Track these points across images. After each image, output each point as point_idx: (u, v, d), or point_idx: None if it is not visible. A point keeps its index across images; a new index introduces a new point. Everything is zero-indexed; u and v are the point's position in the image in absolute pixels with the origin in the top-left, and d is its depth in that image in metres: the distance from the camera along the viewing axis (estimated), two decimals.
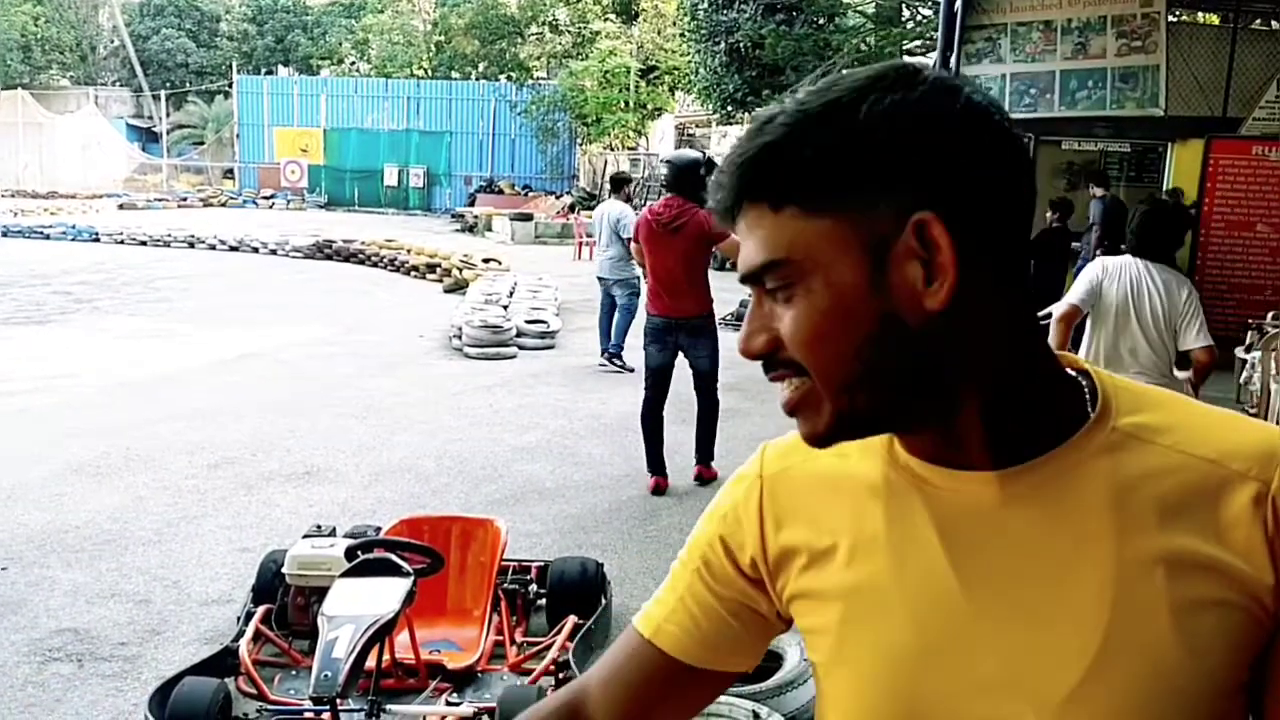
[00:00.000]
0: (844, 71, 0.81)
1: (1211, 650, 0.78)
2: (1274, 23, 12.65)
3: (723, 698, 3.15)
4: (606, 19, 32.95)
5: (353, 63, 42.93)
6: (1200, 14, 12.94)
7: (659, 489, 6.27)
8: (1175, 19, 11.95)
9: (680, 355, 6.33)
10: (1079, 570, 0.80)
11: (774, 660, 3.46)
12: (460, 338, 10.68)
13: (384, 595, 3.36)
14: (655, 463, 6.34)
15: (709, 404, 6.51)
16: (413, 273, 17.40)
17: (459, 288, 15.11)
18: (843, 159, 0.77)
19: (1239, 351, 8.49)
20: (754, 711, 3.03)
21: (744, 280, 0.83)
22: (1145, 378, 4.48)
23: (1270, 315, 9.01)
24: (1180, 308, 4.55)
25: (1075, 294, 4.74)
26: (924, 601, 0.84)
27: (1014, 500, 0.82)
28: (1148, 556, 0.79)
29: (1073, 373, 0.87)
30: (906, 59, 0.84)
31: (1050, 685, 0.79)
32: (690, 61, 25.95)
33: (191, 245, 21.34)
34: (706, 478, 6.43)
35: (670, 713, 1.02)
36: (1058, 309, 4.72)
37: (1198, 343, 4.54)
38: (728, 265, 11.05)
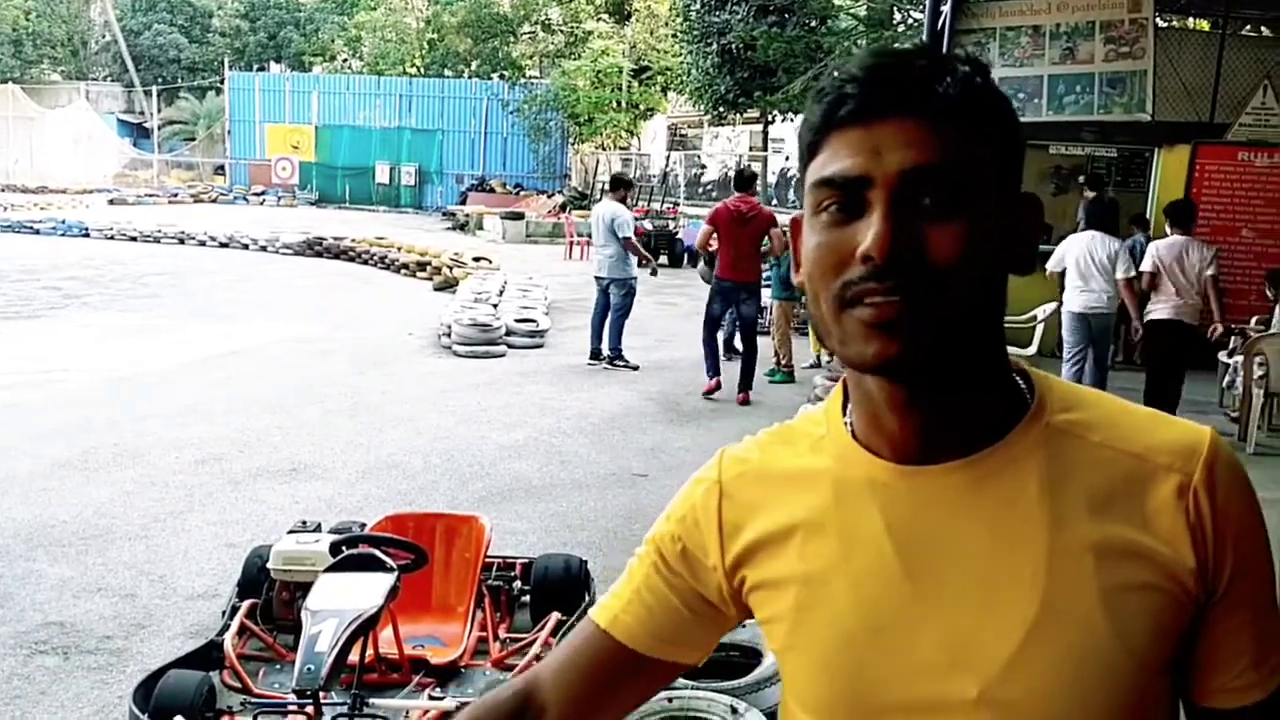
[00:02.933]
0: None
1: (1137, 630, 0.84)
2: (1264, 29, 12.75)
3: (702, 693, 3.19)
4: (599, 19, 33.01)
5: (345, 60, 42.92)
6: (1191, 19, 13.03)
7: (716, 388, 8.76)
8: (1165, 25, 12.04)
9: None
10: (1015, 556, 0.85)
11: (753, 657, 3.50)
12: (449, 336, 10.71)
13: (368, 590, 3.39)
14: (713, 370, 8.81)
15: (750, 345, 8.74)
16: (403, 271, 17.42)
17: (449, 286, 15.13)
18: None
19: (1222, 356, 8.56)
20: (732, 706, 3.07)
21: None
22: (1101, 294, 7.65)
23: (1255, 320, 9.08)
24: (1112, 255, 7.62)
25: (1054, 260, 7.82)
26: (870, 587, 0.89)
27: (954, 493, 0.87)
28: (1079, 544, 0.84)
29: (1014, 374, 0.92)
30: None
31: (987, 660, 0.85)
32: (682, 62, 26.01)
33: (181, 241, 21.34)
34: (744, 402, 8.63)
35: (618, 701, 1.05)
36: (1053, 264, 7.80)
37: (1120, 275, 7.58)
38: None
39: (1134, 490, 0.85)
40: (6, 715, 3.63)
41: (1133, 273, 7.57)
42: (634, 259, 9.95)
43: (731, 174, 27.56)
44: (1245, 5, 11.87)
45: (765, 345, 9.59)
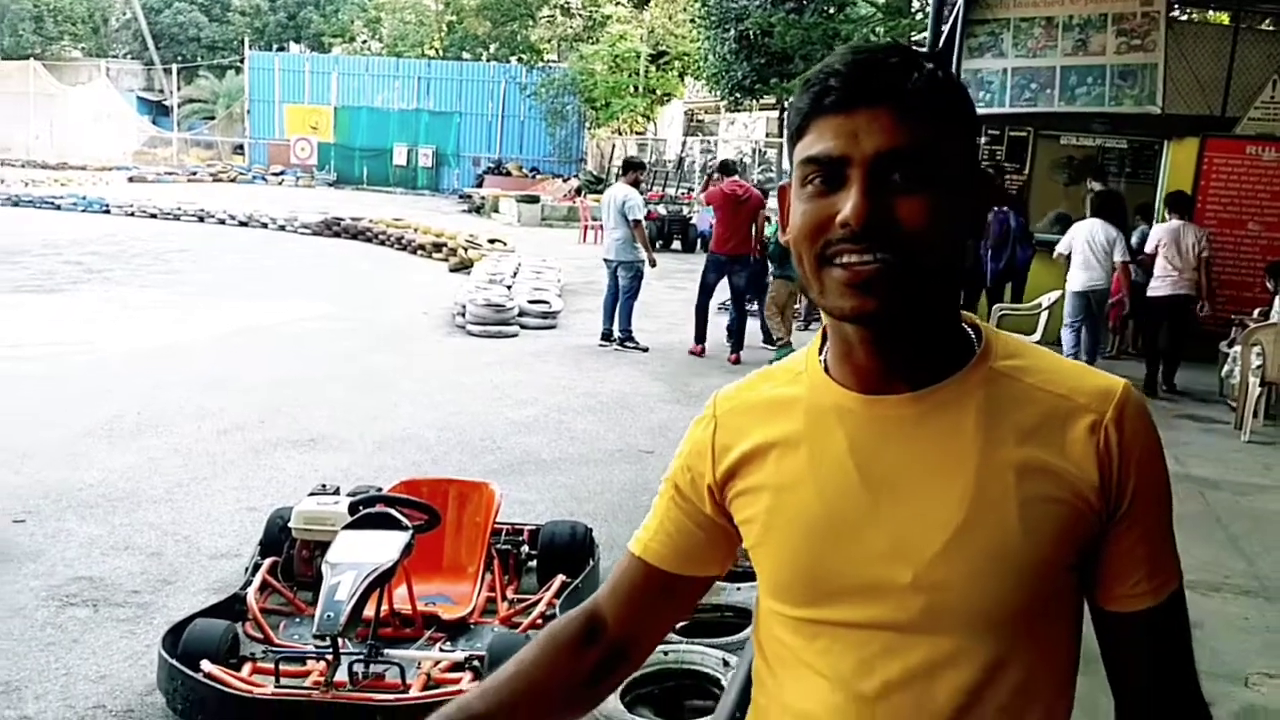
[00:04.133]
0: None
1: (1045, 534, 1.02)
2: None
3: (696, 647, 3.39)
4: (618, 3, 33.05)
5: (364, 41, 43.10)
6: (1210, 12, 13.05)
7: (699, 353, 10.02)
8: (1184, 18, 12.09)
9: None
10: (950, 471, 1.04)
11: (745, 618, 3.68)
12: (464, 315, 10.90)
13: (384, 546, 3.60)
14: (700, 338, 10.08)
15: (740, 311, 10.01)
16: (419, 251, 17.61)
17: (464, 267, 15.32)
18: (968, 102, 1.06)
19: (1223, 346, 8.70)
20: (724, 659, 3.26)
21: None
22: (1100, 274, 8.51)
23: (1256, 312, 9.20)
24: (1111, 240, 8.39)
25: (1063, 244, 8.75)
26: (832, 494, 1.08)
27: (907, 420, 1.07)
28: (1004, 463, 1.03)
29: (967, 326, 1.11)
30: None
31: (921, 550, 1.03)
32: (700, 48, 26.07)
33: (201, 219, 21.57)
34: (735, 362, 9.74)
35: (661, 614, 1.27)
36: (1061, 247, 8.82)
37: (1118, 258, 8.45)
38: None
39: (1055, 423, 1.04)
40: (42, 660, 3.84)
41: (1128, 256, 8.67)
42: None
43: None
44: None
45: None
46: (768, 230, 9.90)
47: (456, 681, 3.53)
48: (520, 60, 35.73)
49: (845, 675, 1.07)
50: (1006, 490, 1.03)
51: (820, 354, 1.14)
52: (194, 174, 33.20)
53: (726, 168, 10.87)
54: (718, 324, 10.41)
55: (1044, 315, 9.76)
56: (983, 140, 11.67)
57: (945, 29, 9.89)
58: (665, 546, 1.21)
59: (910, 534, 1.04)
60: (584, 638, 1.22)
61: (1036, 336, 9.56)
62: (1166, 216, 9.08)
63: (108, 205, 22.69)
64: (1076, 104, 10.62)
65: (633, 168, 10.67)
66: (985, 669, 1.03)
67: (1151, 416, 1.08)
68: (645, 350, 10.01)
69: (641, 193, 11.58)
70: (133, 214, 22.08)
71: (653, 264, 10.31)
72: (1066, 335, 8.76)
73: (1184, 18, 12.11)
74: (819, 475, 1.09)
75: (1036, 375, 1.07)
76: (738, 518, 1.16)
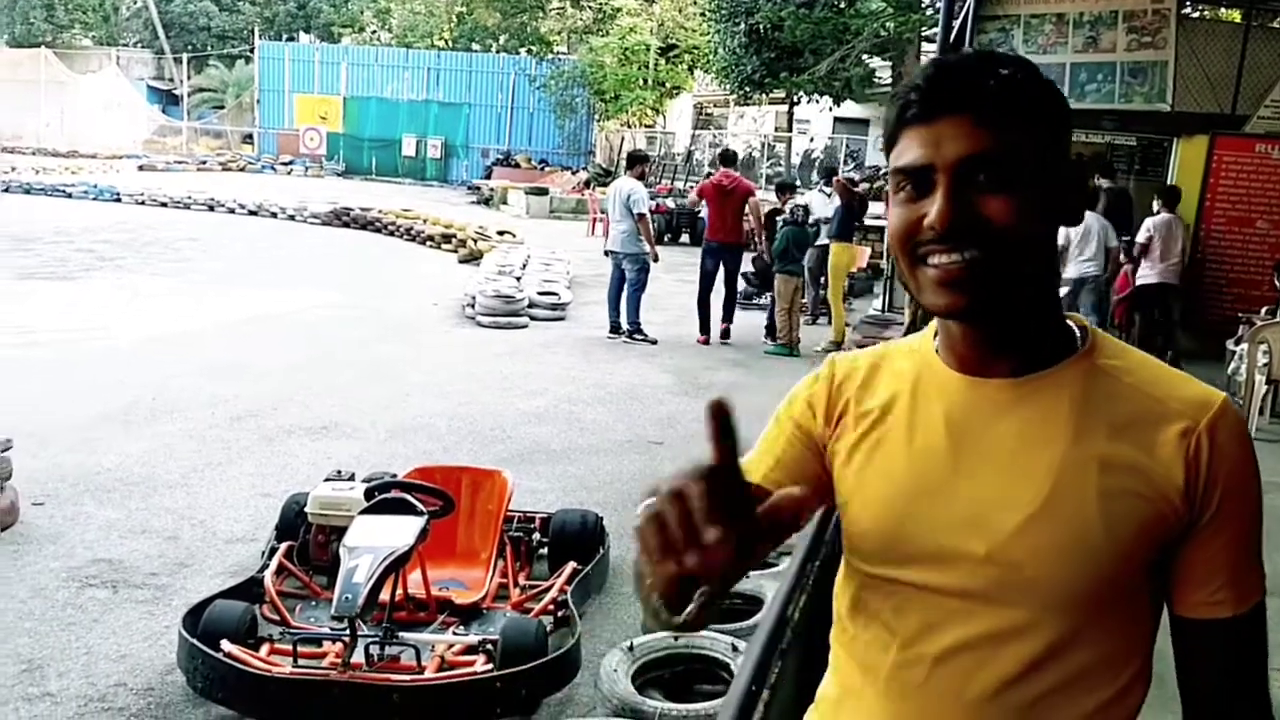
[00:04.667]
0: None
1: (1122, 528, 1.06)
2: None
3: (705, 633, 3.45)
4: None
5: (374, 31, 43.13)
6: (1221, 10, 13.04)
7: (705, 342, 10.36)
8: (1195, 15, 12.09)
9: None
10: (1037, 454, 1.09)
11: (755, 604, 3.75)
12: (473, 306, 10.97)
13: (400, 531, 3.67)
14: (704, 328, 10.42)
15: (732, 291, 10.64)
16: (428, 242, 17.68)
17: (473, 258, 15.38)
18: (1054, 104, 1.10)
19: (1230, 344, 8.73)
20: (733, 644, 3.32)
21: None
22: (1094, 264, 9.00)
23: (1264, 310, 9.24)
24: (1104, 231, 8.98)
25: (1061, 236, 8.87)
26: (922, 460, 1.14)
27: (1002, 401, 1.13)
28: (1090, 454, 1.08)
29: (1073, 325, 1.18)
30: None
31: (998, 526, 1.09)
32: (710, 41, 26.07)
33: (211, 208, 21.64)
34: (724, 334, 10.53)
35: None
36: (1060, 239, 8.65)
37: (1110, 244, 9.03)
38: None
39: (1148, 424, 1.08)
40: (64, 640, 3.92)
41: (1116, 243, 9.37)
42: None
43: (756, 154, 27.74)
44: None
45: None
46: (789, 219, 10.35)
47: (470, 664, 3.60)
48: (530, 52, 35.73)
49: (911, 634, 1.14)
50: (1089, 480, 1.07)
51: (935, 336, 1.21)
52: (203, 163, 33.27)
53: (726, 158, 11.35)
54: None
55: None
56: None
57: (956, 25, 9.90)
58: (786, 476, 1.22)
59: (989, 509, 1.09)
60: None
61: None
62: (1158, 209, 9.67)
63: (118, 193, 22.78)
64: (1086, 101, 10.64)
65: (637, 161, 10.73)
66: (1049, 646, 1.08)
67: (1248, 433, 1.12)
68: (654, 343, 10.08)
69: (649, 186, 11.66)
70: (143, 202, 22.15)
71: (655, 258, 10.37)
72: None
73: (1195, 15, 12.12)
74: (913, 443, 1.16)
75: (1136, 376, 1.12)
76: (835, 472, 1.22)
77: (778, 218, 10.80)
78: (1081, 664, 1.09)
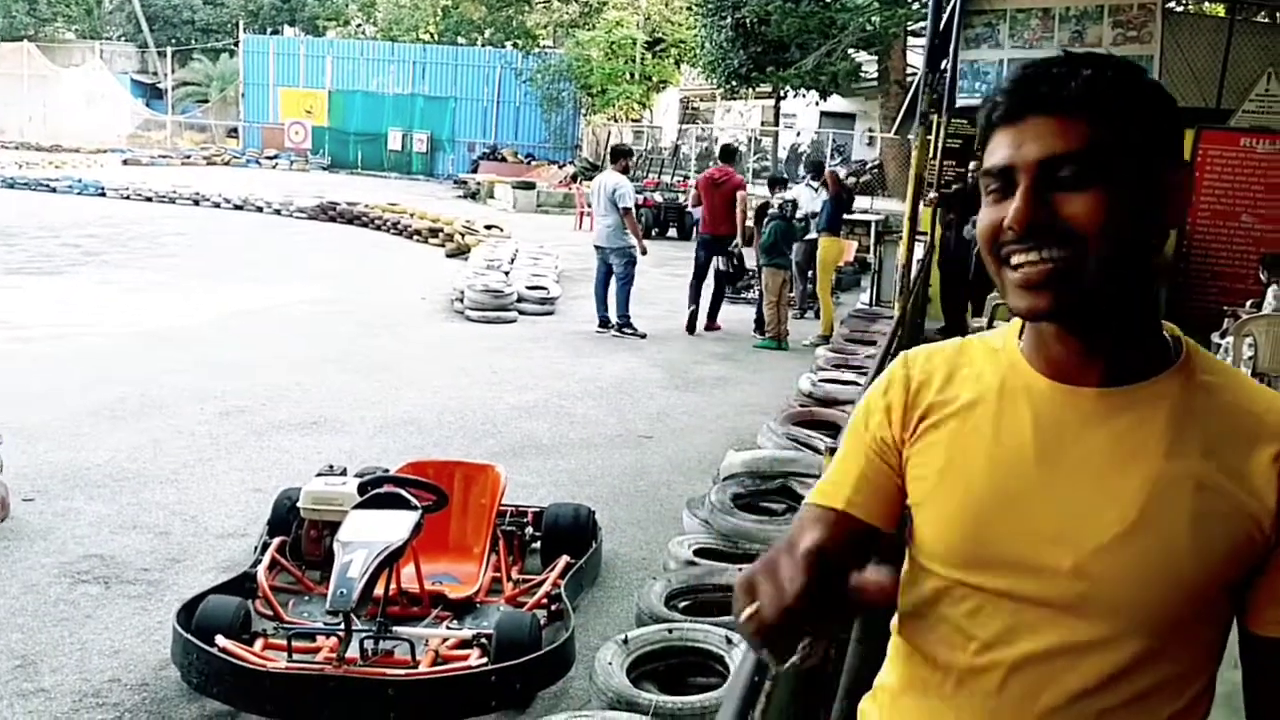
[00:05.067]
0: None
1: (1213, 550, 1.05)
2: (1279, 15, 12.83)
3: (700, 626, 3.47)
4: None
5: (359, 25, 42.93)
6: (1206, 4, 13.11)
7: (690, 328, 10.56)
8: (1180, 9, 12.15)
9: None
10: (1129, 470, 1.08)
11: None
12: (462, 301, 10.96)
13: (394, 525, 3.67)
14: (691, 318, 10.59)
15: (720, 285, 10.81)
16: (415, 237, 17.64)
17: (461, 253, 15.36)
18: (1149, 104, 1.08)
19: (1215, 337, 8.79)
20: (726, 637, 3.34)
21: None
22: None
23: (1249, 303, 9.29)
24: None
25: None
26: (1006, 466, 1.12)
27: (1094, 411, 1.10)
28: (1184, 474, 1.06)
29: (1168, 336, 1.15)
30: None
31: (1085, 542, 1.07)
32: (696, 35, 26.08)
33: (196, 203, 21.55)
34: (709, 328, 10.65)
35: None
36: None
37: None
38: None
39: (1242, 446, 1.07)
40: (57, 635, 3.92)
41: None
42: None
43: (743, 148, 27.76)
44: None
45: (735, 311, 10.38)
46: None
47: (464, 659, 3.61)
48: (516, 46, 35.65)
49: (988, 639, 1.12)
50: (1182, 501, 1.05)
51: (1019, 337, 1.18)
52: (188, 157, 33.11)
53: (726, 153, 11.75)
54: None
55: None
56: (977, 131, 11.75)
57: (944, 19, 9.93)
58: (874, 496, 1.21)
59: (1078, 522, 1.08)
60: None
61: None
62: None
63: (103, 188, 22.66)
64: None
65: (621, 155, 10.75)
66: (1129, 660, 1.07)
67: None
68: (643, 336, 10.09)
69: (634, 180, 11.70)
70: (128, 197, 22.05)
71: (643, 251, 10.39)
72: None
73: (1180, 9, 12.20)
74: (997, 447, 1.13)
75: (1232, 395, 1.10)
76: (910, 474, 1.20)
77: (768, 211, 10.84)
78: (1157, 679, 1.08)
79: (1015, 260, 1.07)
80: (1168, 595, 1.05)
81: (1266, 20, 12.88)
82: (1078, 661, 1.08)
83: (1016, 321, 1.19)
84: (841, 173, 15.95)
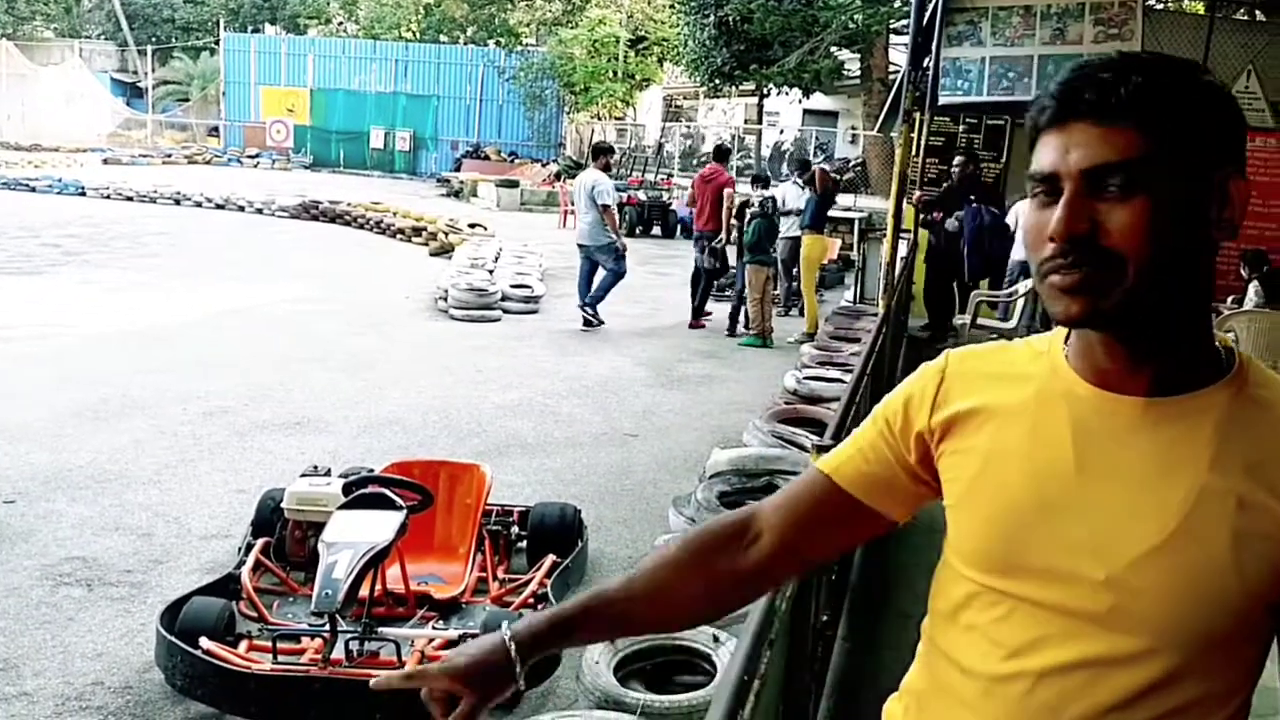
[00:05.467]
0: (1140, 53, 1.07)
1: (1254, 570, 1.03)
2: (1258, 13, 12.92)
3: None
4: None
5: (341, 23, 42.77)
6: (1186, 1, 13.18)
7: (695, 326, 10.69)
8: (1160, 7, 12.21)
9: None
10: (1170, 482, 1.05)
11: None
12: (446, 300, 10.93)
13: (379, 526, 3.66)
14: (696, 313, 10.82)
15: (701, 281, 10.85)
16: (398, 235, 17.58)
17: (445, 251, 15.32)
18: (1201, 112, 1.04)
19: None
20: (714, 635, 3.34)
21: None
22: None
23: (1230, 299, 9.35)
24: None
25: (1011, 217, 9.45)
26: (1044, 474, 1.10)
27: (1137, 420, 1.08)
28: (1227, 490, 1.04)
29: (1220, 348, 1.12)
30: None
31: (1121, 552, 1.05)
32: (679, 33, 26.07)
33: (177, 202, 21.42)
34: (698, 326, 10.70)
35: (824, 538, 1.30)
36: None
37: None
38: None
39: None
40: (39, 638, 3.89)
41: None
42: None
43: (726, 146, 27.76)
44: None
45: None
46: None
47: None
48: (499, 44, 35.56)
49: (1017, 647, 1.10)
50: (1224, 517, 1.03)
51: (1065, 342, 1.16)
52: (169, 156, 32.90)
53: (719, 153, 12.00)
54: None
55: (1020, 302, 9.89)
56: (960, 129, 11.80)
57: (926, 17, 9.95)
58: (859, 472, 1.23)
59: (1113, 533, 1.06)
60: (733, 541, 1.25)
61: (1012, 323, 9.70)
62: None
63: (83, 187, 22.51)
64: None
65: (602, 152, 10.77)
66: (1158, 676, 1.05)
67: None
68: (601, 324, 10.24)
69: (619, 178, 11.69)
70: (108, 196, 21.91)
71: (623, 249, 10.39)
72: (1003, 301, 9.60)
73: (1160, 7, 12.25)
74: (1035, 453, 1.11)
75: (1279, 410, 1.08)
76: (944, 475, 1.19)
77: (747, 210, 10.84)
78: (1189, 696, 1.06)
79: (1055, 271, 1.05)
80: (1201, 611, 1.03)
81: (1246, 17, 12.96)
82: (1107, 675, 1.06)
83: (1062, 328, 1.18)
84: (827, 168, 15.95)
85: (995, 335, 9.35)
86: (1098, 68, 1.05)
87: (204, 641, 3.45)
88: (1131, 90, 1.02)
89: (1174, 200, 1.02)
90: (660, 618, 1.33)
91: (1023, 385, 1.15)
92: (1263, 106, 10.91)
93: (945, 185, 10.47)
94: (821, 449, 2.63)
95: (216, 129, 37.21)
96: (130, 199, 21.71)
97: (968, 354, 1.23)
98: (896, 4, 20.58)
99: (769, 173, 15.61)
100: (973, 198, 9.68)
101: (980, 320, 9.55)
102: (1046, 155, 1.06)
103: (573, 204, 20.01)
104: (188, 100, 39.83)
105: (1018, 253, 9.58)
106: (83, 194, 22.22)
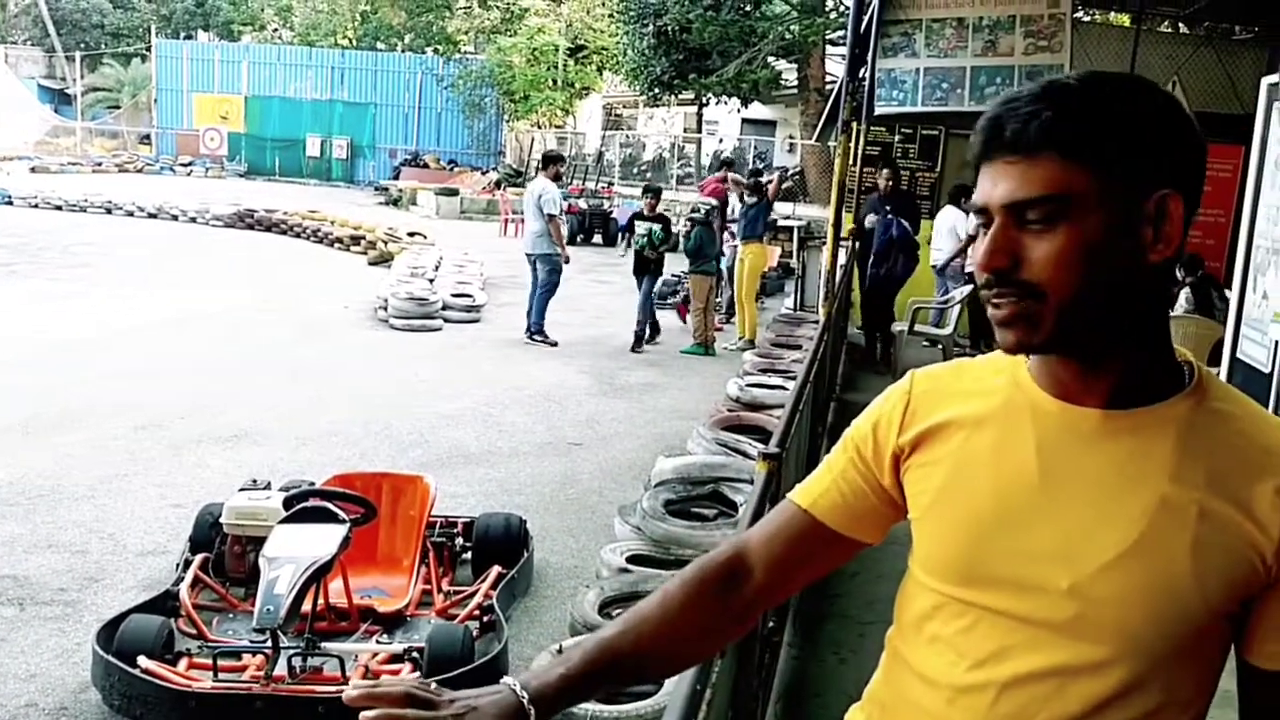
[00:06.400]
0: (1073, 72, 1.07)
1: (1213, 579, 1.04)
2: (1182, 25, 13.28)
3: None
4: None
5: (275, 30, 42.26)
6: (1112, 14, 13.50)
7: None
8: (1088, 19, 12.49)
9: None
10: (1132, 492, 1.06)
11: None
12: (386, 309, 10.84)
13: (321, 540, 3.62)
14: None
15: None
16: (336, 244, 17.38)
17: (384, 260, 15.19)
18: (1126, 135, 1.03)
19: None
20: None
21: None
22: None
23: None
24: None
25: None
26: (1008, 484, 1.11)
27: (1100, 432, 1.09)
28: (1188, 501, 1.05)
29: (1181, 362, 1.12)
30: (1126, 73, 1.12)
31: (1084, 563, 1.06)
32: (619, 42, 26.16)
33: (109, 211, 20.99)
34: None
35: (809, 568, 1.31)
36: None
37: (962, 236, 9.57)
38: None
39: (1248, 476, 1.05)
40: None
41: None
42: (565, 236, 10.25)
43: (666, 155, 27.91)
44: (1162, 2, 12.36)
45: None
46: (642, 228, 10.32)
47: (396, 673, 3.56)
48: (437, 51, 35.36)
49: (982, 657, 1.11)
50: (1185, 527, 1.04)
51: (1028, 359, 1.16)
52: (99, 164, 32.20)
53: (726, 163, 12.93)
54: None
55: (955, 310, 10.03)
56: (896, 139, 11.96)
57: (862, 29, 10.07)
58: (836, 505, 1.24)
59: (1077, 543, 1.07)
60: (728, 582, 1.25)
61: (948, 330, 9.85)
62: (963, 204, 9.79)
63: (9, 196, 21.92)
64: (986, 103, 10.30)
65: (552, 161, 10.70)
66: (1121, 685, 1.06)
67: None
68: (554, 344, 10.02)
69: (561, 186, 11.65)
70: (36, 205, 21.37)
71: (566, 260, 10.33)
72: (936, 304, 9.81)
73: (1088, 19, 12.51)
74: (999, 464, 1.12)
75: (1241, 423, 1.09)
76: (910, 489, 1.20)
77: (636, 222, 10.57)
78: (1151, 704, 1.07)
79: (991, 301, 1.07)
80: (1165, 620, 1.05)
81: (1170, 30, 13.32)
82: (1070, 684, 1.07)
83: None
84: (764, 179, 16.04)
85: (931, 342, 9.49)
86: (1021, 100, 1.05)
87: (142, 660, 3.39)
88: (1046, 122, 1.02)
89: (1104, 226, 1.02)
90: (668, 665, 1.32)
91: (988, 399, 1.16)
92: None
93: (869, 195, 10.53)
94: (767, 456, 2.65)
95: (148, 136, 36.53)
96: (59, 208, 21.22)
97: (932, 373, 1.24)
98: (832, 15, 20.84)
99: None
100: (889, 209, 9.67)
101: (917, 326, 9.67)
102: (979, 189, 1.07)
103: (515, 212, 20.01)
104: (118, 107, 39.06)
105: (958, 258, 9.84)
106: (9, 203, 21.65)
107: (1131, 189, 1.03)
